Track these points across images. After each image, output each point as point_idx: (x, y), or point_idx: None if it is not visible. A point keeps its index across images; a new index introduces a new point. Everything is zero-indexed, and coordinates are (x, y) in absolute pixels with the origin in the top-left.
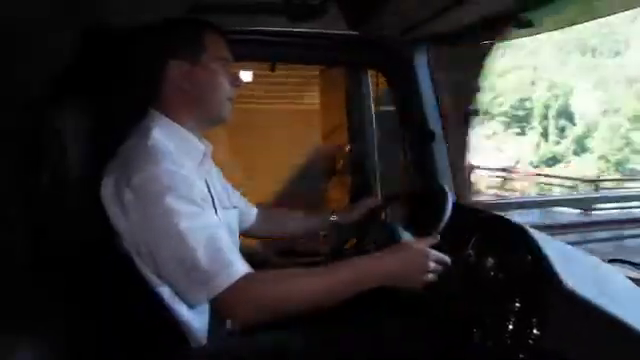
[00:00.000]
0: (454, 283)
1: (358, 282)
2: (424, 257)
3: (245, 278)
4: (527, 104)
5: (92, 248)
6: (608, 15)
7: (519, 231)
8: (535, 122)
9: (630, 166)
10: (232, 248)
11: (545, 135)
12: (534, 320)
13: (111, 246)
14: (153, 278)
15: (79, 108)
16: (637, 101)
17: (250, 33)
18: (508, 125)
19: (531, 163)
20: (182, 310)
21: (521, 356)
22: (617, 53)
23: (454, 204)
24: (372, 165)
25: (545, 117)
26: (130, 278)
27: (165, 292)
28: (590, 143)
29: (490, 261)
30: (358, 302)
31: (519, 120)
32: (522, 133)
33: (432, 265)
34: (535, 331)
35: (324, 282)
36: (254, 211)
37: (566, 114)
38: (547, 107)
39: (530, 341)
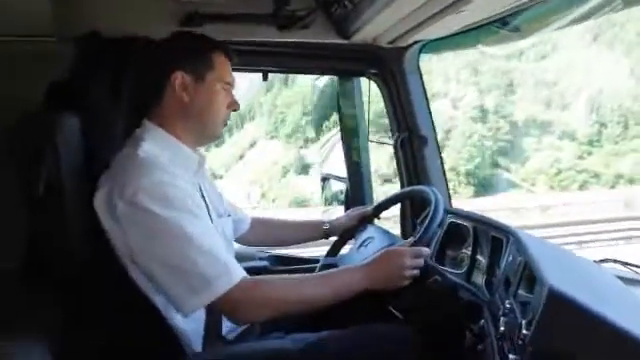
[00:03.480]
0: (446, 287)
1: (345, 287)
2: (400, 257)
3: (242, 283)
4: None
5: (87, 257)
6: (584, 21)
7: (509, 233)
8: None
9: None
10: (228, 254)
11: None
12: (523, 321)
13: (107, 256)
14: (148, 286)
15: (74, 117)
16: (531, 105)
17: (242, 44)
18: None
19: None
20: (177, 317)
21: (511, 357)
22: (543, 57)
23: (445, 208)
24: (367, 172)
25: None
26: (125, 287)
27: (160, 300)
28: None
29: (482, 264)
30: (353, 308)
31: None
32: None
33: (409, 262)
34: (524, 331)
35: (317, 287)
36: (248, 219)
37: None
38: None
39: (520, 341)
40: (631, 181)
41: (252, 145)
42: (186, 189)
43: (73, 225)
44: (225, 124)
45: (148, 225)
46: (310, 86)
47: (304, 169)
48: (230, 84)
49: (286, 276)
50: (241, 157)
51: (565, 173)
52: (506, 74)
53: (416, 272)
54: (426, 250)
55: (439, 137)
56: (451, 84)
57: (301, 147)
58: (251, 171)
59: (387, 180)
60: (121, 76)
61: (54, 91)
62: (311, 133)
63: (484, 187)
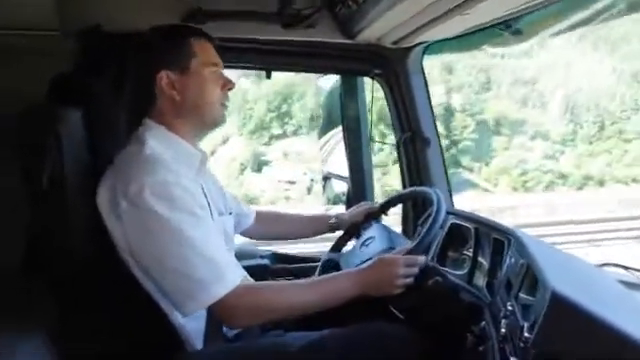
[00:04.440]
0: (447, 288)
1: (337, 294)
2: (392, 266)
3: (237, 290)
4: None
5: (89, 252)
6: (586, 25)
7: (511, 235)
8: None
9: None
10: (227, 258)
11: None
12: (525, 324)
13: (107, 251)
14: (149, 283)
15: (77, 111)
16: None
17: (246, 42)
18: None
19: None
20: (178, 315)
21: (512, 359)
22: (526, 54)
23: (447, 209)
24: (368, 171)
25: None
26: (126, 283)
27: (161, 297)
28: None
29: (483, 265)
30: (354, 307)
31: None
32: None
33: (402, 271)
34: (526, 334)
35: (310, 294)
36: (253, 213)
37: None
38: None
39: (521, 344)
40: (600, 183)
41: (225, 141)
42: (189, 189)
43: (75, 220)
44: (225, 106)
45: (150, 225)
46: (278, 81)
47: (259, 167)
48: (217, 65)
49: (280, 283)
50: (212, 153)
51: (531, 174)
52: (484, 72)
53: (409, 281)
54: (421, 258)
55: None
56: None
57: (265, 144)
58: (217, 168)
59: None
60: (123, 72)
61: (57, 85)
62: (277, 130)
63: None
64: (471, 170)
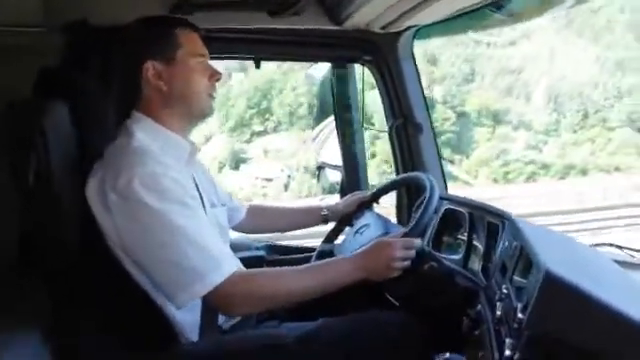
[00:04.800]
0: (442, 273)
1: (336, 279)
2: (389, 248)
3: (233, 277)
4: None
5: (80, 246)
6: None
7: (505, 218)
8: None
9: None
10: (221, 247)
11: None
12: (519, 305)
13: (98, 245)
14: (141, 276)
15: (64, 105)
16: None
17: (233, 32)
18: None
19: None
20: (173, 307)
21: (507, 341)
22: (512, 43)
23: (441, 195)
24: (362, 159)
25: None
26: (117, 276)
27: (155, 289)
28: None
29: (478, 249)
30: (349, 296)
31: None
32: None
33: (399, 253)
34: (520, 315)
35: (308, 279)
36: (244, 207)
37: None
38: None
39: (515, 325)
40: (583, 172)
41: (208, 139)
42: (179, 180)
43: (64, 214)
44: (212, 97)
45: (140, 217)
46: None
47: (237, 165)
48: (204, 55)
49: (277, 269)
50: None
51: (512, 165)
52: (469, 62)
53: (406, 263)
54: (417, 241)
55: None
56: None
57: (246, 141)
58: None
59: None
60: (109, 65)
61: (43, 79)
62: (259, 126)
63: None
64: (452, 162)
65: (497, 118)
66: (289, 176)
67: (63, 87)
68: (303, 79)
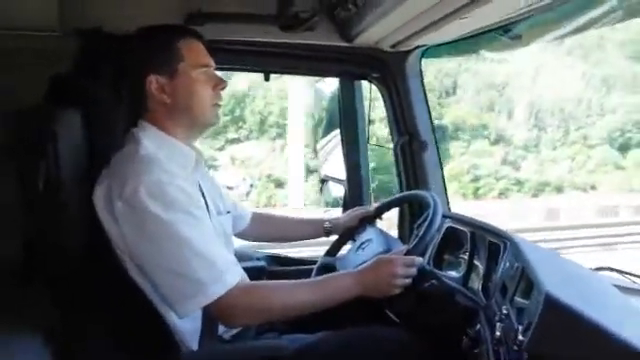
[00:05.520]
0: (443, 291)
1: (337, 294)
2: (391, 265)
3: (236, 289)
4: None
5: (85, 253)
6: (585, 31)
7: (506, 239)
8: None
9: None
10: (225, 257)
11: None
12: (520, 327)
13: (104, 252)
14: (145, 284)
15: (76, 112)
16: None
17: (244, 44)
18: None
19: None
20: (174, 315)
21: None
22: (503, 60)
23: (443, 213)
24: (365, 174)
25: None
26: (122, 284)
27: (157, 297)
28: None
29: (479, 269)
30: (349, 311)
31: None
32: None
33: (401, 271)
34: (520, 337)
35: (308, 294)
36: (248, 215)
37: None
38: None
39: (515, 347)
40: (558, 189)
41: None
42: (185, 188)
43: (71, 222)
44: (218, 106)
45: (146, 226)
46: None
47: None
48: (207, 65)
49: (279, 282)
50: None
51: (483, 180)
52: (451, 76)
53: (407, 281)
54: (419, 259)
55: None
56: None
57: (219, 149)
58: None
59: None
60: (120, 73)
61: (55, 86)
62: (233, 134)
63: (382, 194)
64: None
65: (474, 132)
66: (251, 185)
67: (75, 94)
68: (277, 89)
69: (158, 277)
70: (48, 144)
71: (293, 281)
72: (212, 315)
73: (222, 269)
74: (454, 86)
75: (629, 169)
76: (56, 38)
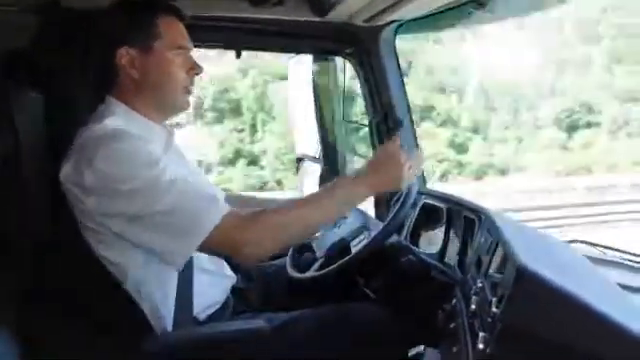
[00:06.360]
0: (419, 267)
1: (348, 202)
2: (395, 155)
3: (238, 214)
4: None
5: (50, 234)
6: (560, 5)
7: (482, 214)
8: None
9: None
10: (213, 187)
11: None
12: (493, 299)
13: (70, 232)
14: (116, 265)
15: (33, 91)
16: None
17: (215, 20)
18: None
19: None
20: (147, 297)
21: (481, 334)
22: (461, 39)
23: (419, 189)
24: (342, 150)
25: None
26: (90, 265)
27: (132, 276)
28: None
29: (455, 244)
30: (323, 290)
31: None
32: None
33: (404, 158)
34: (494, 309)
35: (319, 209)
36: (223, 195)
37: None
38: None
39: (489, 319)
40: (502, 172)
41: None
42: (158, 154)
43: (34, 202)
44: (189, 92)
45: (122, 188)
46: None
47: None
48: (184, 47)
49: (285, 200)
50: None
51: (425, 162)
52: (407, 57)
53: (418, 173)
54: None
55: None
56: None
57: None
58: None
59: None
60: (84, 48)
61: (10, 62)
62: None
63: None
64: (366, 158)
65: (422, 114)
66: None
67: (31, 70)
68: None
69: (146, 232)
70: (4, 123)
71: (300, 198)
72: (216, 248)
73: (213, 195)
74: (409, 67)
75: (575, 150)
76: (13, 13)
